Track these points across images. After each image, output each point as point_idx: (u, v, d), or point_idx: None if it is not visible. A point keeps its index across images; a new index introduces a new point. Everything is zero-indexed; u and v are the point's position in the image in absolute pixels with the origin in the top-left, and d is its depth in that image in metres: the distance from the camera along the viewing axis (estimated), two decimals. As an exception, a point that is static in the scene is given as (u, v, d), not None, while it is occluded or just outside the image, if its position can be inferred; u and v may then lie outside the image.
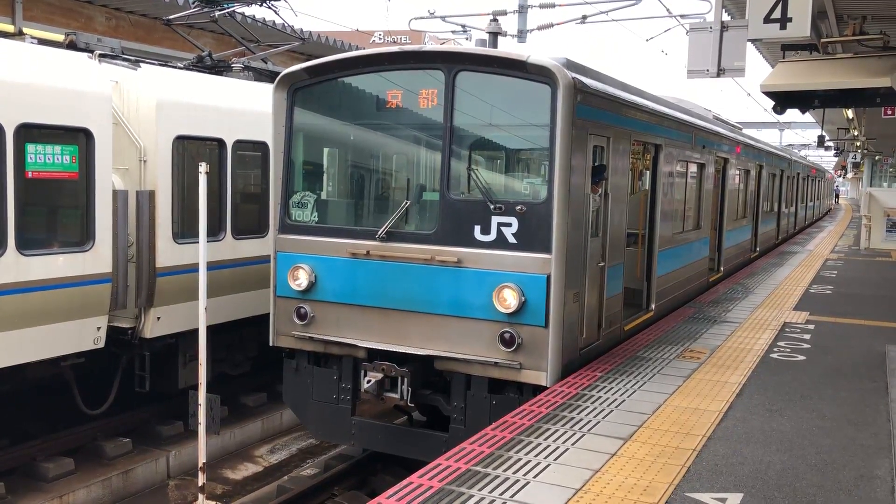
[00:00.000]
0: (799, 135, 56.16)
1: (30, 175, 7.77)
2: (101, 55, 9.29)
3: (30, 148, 7.74)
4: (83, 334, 8.41)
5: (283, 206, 8.51)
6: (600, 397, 7.10)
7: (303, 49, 15.96)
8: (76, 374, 8.93)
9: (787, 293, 13.72)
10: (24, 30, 10.08)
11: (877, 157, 38.75)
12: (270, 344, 8.71)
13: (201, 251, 7.25)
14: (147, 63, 9.84)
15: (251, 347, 11.21)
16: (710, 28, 9.04)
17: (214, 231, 9.89)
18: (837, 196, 73.71)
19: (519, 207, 7.38)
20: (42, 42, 9.08)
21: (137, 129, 9.11)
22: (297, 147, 8.64)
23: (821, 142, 30.63)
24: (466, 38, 19.67)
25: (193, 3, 12.27)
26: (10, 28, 10.49)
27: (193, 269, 7.97)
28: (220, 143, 10.08)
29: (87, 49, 9.41)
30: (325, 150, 9.11)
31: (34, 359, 8.03)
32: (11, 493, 8.29)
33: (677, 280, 11.68)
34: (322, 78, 8.35)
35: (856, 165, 42.12)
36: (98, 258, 8.42)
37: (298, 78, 8.41)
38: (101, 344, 8.65)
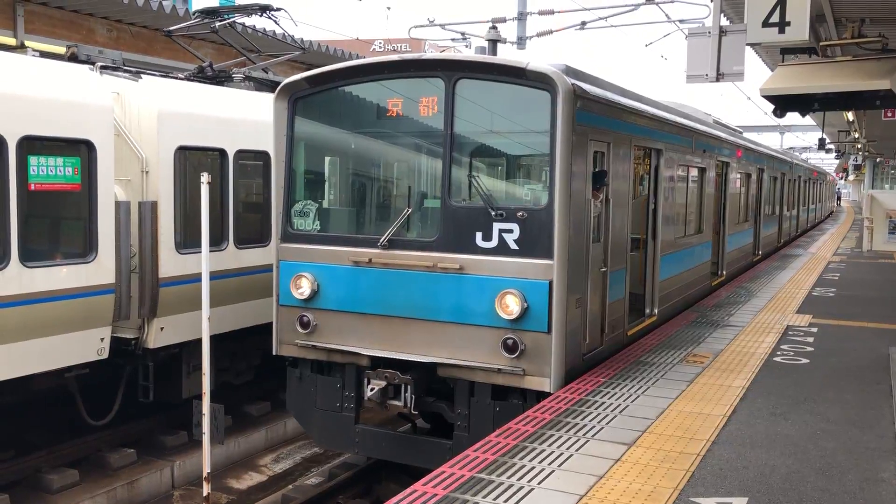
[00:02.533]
0: (800, 138, 56.21)
1: (32, 187, 7.79)
2: (102, 67, 9.33)
3: (32, 160, 7.76)
4: (87, 345, 8.42)
5: (285, 215, 8.53)
6: (604, 403, 7.09)
7: (303, 59, 16.00)
8: (80, 384, 8.95)
9: (789, 296, 13.71)
10: (26, 42, 10.10)
11: (878, 160, 38.73)
12: (273, 353, 8.71)
13: (204, 261, 7.27)
14: (148, 74, 9.88)
15: (254, 356, 11.21)
16: (709, 33, 9.07)
17: (217, 241, 9.90)
18: (839, 199, 73.64)
19: (520, 213, 7.39)
20: (44, 55, 9.11)
21: (139, 140, 9.14)
22: (299, 156, 8.66)
23: (821, 145, 30.68)
24: (466, 46, 19.77)
25: (194, 14, 12.32)
26: (11, 41, 10.51)
27: (196, 278, 7.99)
28: (222, 153, 10.11)
29: (89, 61, 9.44)
30: (327, 159, 9.14)
31: (38, 370, 8.03)
32: (16, 505, 8.30)
33: (680, 284, 11.68)
34: (323, 87, 8.38)
35: (857, 168, 42.15)
36: (101, 269, 8.44)
37: (299, 87, 8.44)
38: (105, 355, 8.66)
